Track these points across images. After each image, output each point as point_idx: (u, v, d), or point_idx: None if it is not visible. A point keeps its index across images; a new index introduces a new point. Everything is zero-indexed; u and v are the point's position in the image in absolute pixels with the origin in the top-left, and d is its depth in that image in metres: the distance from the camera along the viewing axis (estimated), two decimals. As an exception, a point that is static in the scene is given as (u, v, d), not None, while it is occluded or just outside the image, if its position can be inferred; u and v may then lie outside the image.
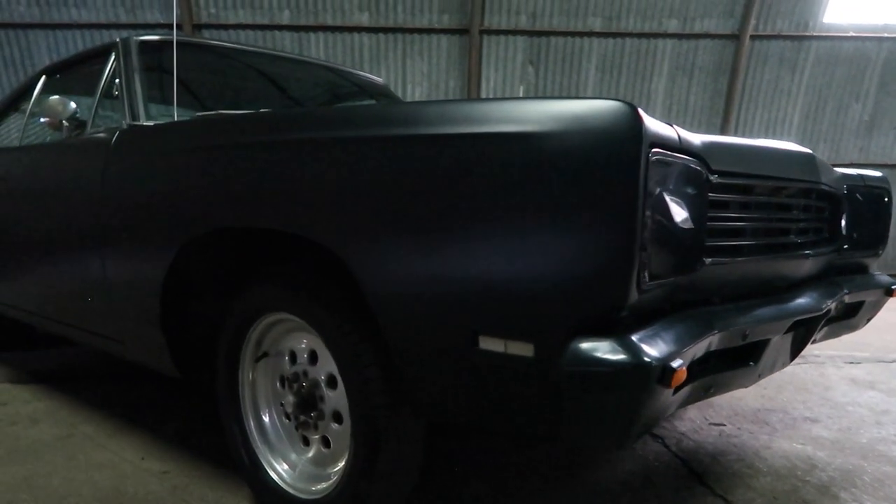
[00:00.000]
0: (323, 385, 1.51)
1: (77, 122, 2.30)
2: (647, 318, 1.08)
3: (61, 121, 2.27)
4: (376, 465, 1.34)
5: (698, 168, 1.16)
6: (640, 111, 0.94)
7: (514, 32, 6.17)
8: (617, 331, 0.98)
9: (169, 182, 1.65)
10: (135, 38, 2.44)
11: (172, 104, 2.25)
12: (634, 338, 0.96)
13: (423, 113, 1.14)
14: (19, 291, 2.65)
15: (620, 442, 0.97)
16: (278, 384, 1.64)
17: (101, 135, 2.09)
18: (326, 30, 6.10)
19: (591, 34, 6.21)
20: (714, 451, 2.07)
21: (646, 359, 0.92)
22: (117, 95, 2.28)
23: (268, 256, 1.68)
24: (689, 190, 1.12)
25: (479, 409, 1.13)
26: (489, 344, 1.07)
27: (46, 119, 2.29)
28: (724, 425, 2.31)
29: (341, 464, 1.47)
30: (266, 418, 1.66)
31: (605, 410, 0.94)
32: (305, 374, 1.55)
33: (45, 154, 2.43)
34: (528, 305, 1.01)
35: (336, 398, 1.48)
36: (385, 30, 6.11)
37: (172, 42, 2.61)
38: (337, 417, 1.49)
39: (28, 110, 2.95)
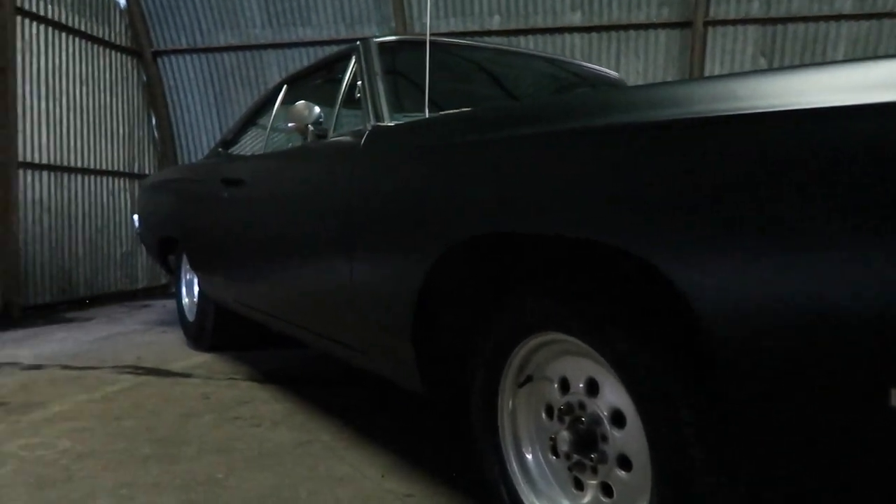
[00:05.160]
0: (606, 422, 1.26)
1: (321, 127, 2.29)
2: None
3: (307, 125, 2.27)
4: (687, 534, 1.06)
5: None
6: None
7: (745, 22, 5.54)
8: None
9: (430, 184, 1.50)
10: (374, 39, 2.40)
11: (408, 108, 2.15)
12: None
13: (777, 85, 0.85)
14: (257, 292, 2.72)
15: None
16: (544, 415, 1.42)
17: (347, 138, 2.03)
18: (536, 32, 5.93)
19: (839, 17, 5.40)
20: None
21: None
22: (359, 98, 2.23)
23: (542, 266, 1.47)
24: None
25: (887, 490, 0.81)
26: (910, 401, 0.75)
27: (293, 124, 2.31)
28: None
29: (631, 521, 1.21)
30: (528, 453, 1.45)
31: None
32: (582, 406, 1.31)
33: (289, 159, 2.46)
34: None
35: (624, 439, 1.22)
36: (598, 28, 5.80)
37: (408, 43, 2.56)
38: (624, 463, 1.23)
39: (271, 118, 3.07)
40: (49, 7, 5.29)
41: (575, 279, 1.27)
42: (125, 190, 6.21)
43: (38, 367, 3.30)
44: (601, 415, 1.27)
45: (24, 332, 4.37)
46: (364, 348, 1.93)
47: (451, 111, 1.71)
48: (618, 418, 1.24)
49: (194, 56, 6.49)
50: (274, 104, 3.09)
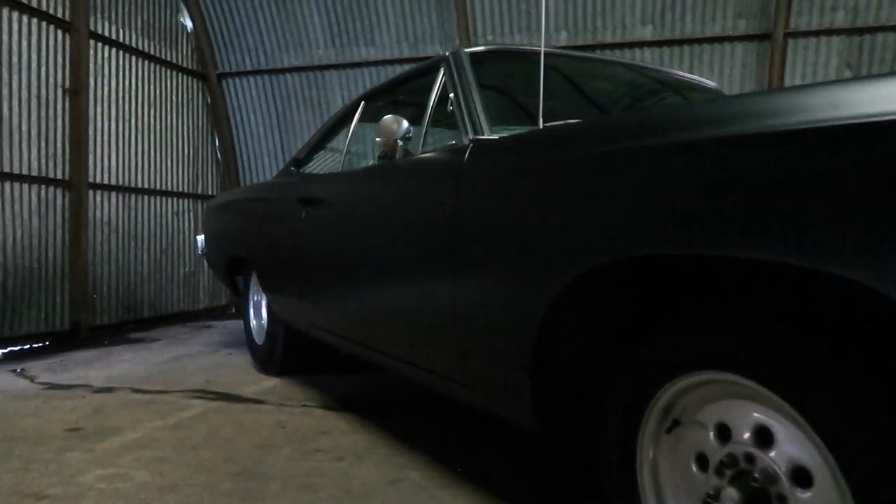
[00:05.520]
0: (784, 479, 1.06)
1: (409, 143, 2.16)
2: None
3: (395, 140, 2.15)
4: None
5: None
6: None
7: (829, 32, 5.26)
8: None
9: (562, 200, 1.33)
10: (464, 50, 2.27)
11: (502, 120, 2.01)
12: None
13: None
14: (337, 315, 2.59)
15: None
16: (695, 467, 1.23)
17: (444, 154, 1.89)
18: (605, 47, 5.75)
19: (933, 26, 5.08)
20: None
21: None
22: (450, 112, 2.10)
23: (697, 296, 1.28)
24: None
25: None
26: None
27: (381, 139, 2.18)
28: None
29: None
30: (675, 510, 1.26)
31: None
32: (750, 458, 1.12)
33: (378, 177, 2.34)
34: None
35: (811, 503, 1.03)
36: (670, 42, 5.59)
37: (497, 53, 2.42)
38: (810, 531, 1.03)
39: (348, 136, 2.96)
40: (121, 31, 5.37)
41: (749, 311, 1.08)
42: (189, 210, 6.23)
43: (108, 389, 3.24)
44: (777, 471, 1.07)
45: (92, 352, 4.35)
46: (466, 380, 1.77)
47: (576, 120, 1.55)
48: (801, 476, 1.05)
49: (258, 77, 6.52)
50: (350, 122, 2.99)
